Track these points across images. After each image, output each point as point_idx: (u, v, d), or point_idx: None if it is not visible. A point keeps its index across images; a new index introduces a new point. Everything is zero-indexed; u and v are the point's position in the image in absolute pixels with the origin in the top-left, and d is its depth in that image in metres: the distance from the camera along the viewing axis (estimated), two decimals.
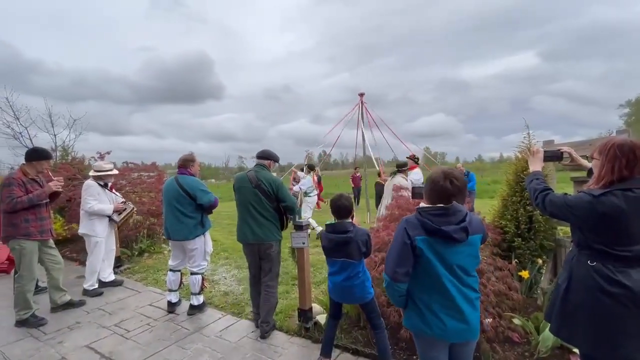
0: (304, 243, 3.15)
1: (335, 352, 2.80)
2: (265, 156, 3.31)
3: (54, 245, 3.77)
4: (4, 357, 2.87)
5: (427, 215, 1.58)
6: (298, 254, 3.24)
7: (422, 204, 1.67)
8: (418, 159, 7.03)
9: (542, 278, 3.34)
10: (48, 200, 3.63)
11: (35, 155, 3.55)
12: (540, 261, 3.25)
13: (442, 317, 1.59)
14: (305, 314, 3.16)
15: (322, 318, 3.13)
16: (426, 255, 1.56)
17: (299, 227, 3.18)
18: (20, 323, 3.40)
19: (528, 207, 3.31)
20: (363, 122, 9.74)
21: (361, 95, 10.31)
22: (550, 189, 1.79)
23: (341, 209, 2.44)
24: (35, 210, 3.47)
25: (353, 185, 14.51)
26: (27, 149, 3.80)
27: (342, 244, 2.36)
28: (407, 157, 6.97)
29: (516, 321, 2.70)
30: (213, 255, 5.47)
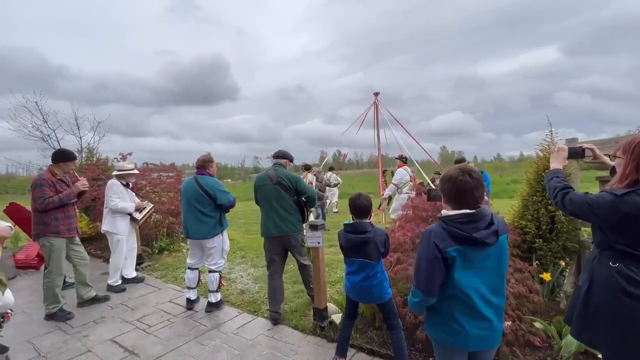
0: (319, 243, 3.17)
1: (351, 352, 2.80)
2: (282, 156, 3.57)
3: (80, 243, 3.94)
4: (34, 349, 3.03)
5: (454, 223, 1.50)
6: (313, 253, 3.26)
7: (444, 211, 1.58)
8: (406, 158, 7.48)
9: (565, 281, 3.23)
10: (76, 199, 3.80)
11: (62, 156, 3.74)
12: (562, 263, 3.14)
13: (465, 326, 1.52)
14: (320, 313, 3.18)
15: (337, 317, 3.14)
16: (458, 265, 1.49)
17: (314, 227, 3.21)
18: (49, 317, 3.58)
19: (550, 207, 3.21)
20: (378, 122, 9.68)
21: (376, 94, 10.24)
22: (571, 187, 1.73)
23: (360, 208, 2.43)
24: (64, 209, 3.64)
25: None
26: (54, 150, 3.99)
27: (360, 244, 2.36)
28: (395, 157, 7.31)
29: (537, 325, 2.63)
30: (229, 254, 5.57)
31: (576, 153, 2.00)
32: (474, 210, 1.50)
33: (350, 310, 2.62)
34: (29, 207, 4.76)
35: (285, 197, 3.33)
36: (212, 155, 3.83)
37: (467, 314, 1.52)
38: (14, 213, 5.30)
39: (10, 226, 2.85)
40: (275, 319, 3.35)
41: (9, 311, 2.84)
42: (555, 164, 1.93)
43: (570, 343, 2.39)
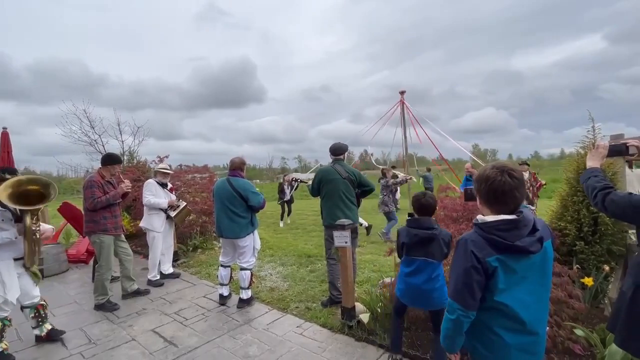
0: (346, 242, 3.20)
1: (379, 352, 2.81)
2: (340, 152, 3.90)
3: (125, 240, 4.26)
4: (85, 336, 3.32)
5: (495, 231, 1.35)
6: (341, 253, 3.29)
7: (480, 217, 1.44)
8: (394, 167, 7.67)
9: (609, 286, 3.03)
10: (121, 200, 4.11)
11: (110, 160, 4.06)
12: (607, 268, 2.95)
13: (506, 339, 1.38)
14: (348, 312, 3.21)
15: (365, 317, 3.15)
16: (499, 275, 1.34)
17: (342, 227, 3.24)
18: (98, 307, 3.90)
19: (592, 208, 3.02)
20: (404, 121, 9.51)
21: (402, 93, 10.06)
22: (612, 187, 1.64)
23: (424, 206, 2.40)
24: (111, 208, 3.96)
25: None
26: (101, 154, 4.35)
27: (426, 241, 2.29)
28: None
29: (578, 332, 2.48)
30: (259, 252, 5.75)
31: (619, 151, 1.87)
32: (515, 217, 1.35)
33: (400, 309, 2.58)
34: (79, 207, 5.21)
35: (352, 190, 3.72)
36: (245, 160, 4.00)
37: (508, 328, 1.37)
38: (67, 212, 5.80)
39: (53, 228, 3.23)
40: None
41: (42, 302, 3.17)
42: (593, 162, 1.83)
43: (615, 352, 2.24)
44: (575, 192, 3.18)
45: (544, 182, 8.13)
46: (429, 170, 14.21)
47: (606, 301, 2.94)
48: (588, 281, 2.79)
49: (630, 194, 1.54)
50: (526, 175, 7.67)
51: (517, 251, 1.33)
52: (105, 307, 3.89)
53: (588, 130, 3.20)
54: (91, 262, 5.17)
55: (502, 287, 1.34)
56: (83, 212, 4.02)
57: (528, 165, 8.17)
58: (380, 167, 9.55)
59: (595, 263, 3.00)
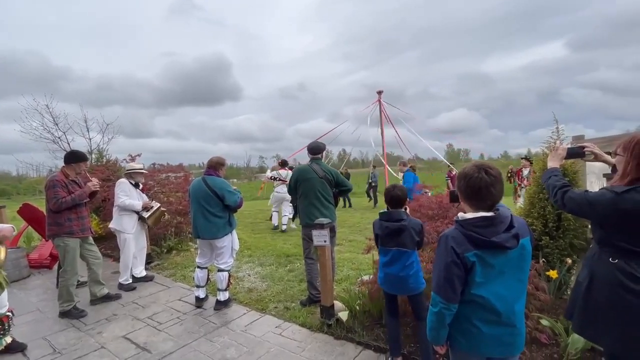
0: (325, 241, 3.21)
1: (357, 349, 2.84)
2: (318, 151, 3.90)
3: (93, 242, 4.04)
4: (50, 345, 3.12)
5: (472, 227, 1.44)
6: (320, 251, 3.30)
7: (461, 214, 1.53)
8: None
9: (572, 278, 3.22)
10: (88, 199, 3.89)
11: (74, 158, 3.83)
12: (569, 261, 3.13)
13: (483, 330, 1.46)
14: (327, 311, 3.22)
15: (344, 315, 3.17)
16: (477, 270, 1.43)
17: (320, 226, 3.24)
18: (63, 314, 3.68)
19: None
20: (381, 120, 9.66)
21: (379, 92, 10.22)
22: (570, 186, 1.75)
23: (394, 198, 2.49)
24: (77, 209, 3.73)
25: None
26: (65, 152, 4.09)
27: (396, 232, 2.40)
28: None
29: (544, 322, 2.63)
30: (237, 253, 5.65)
31: (576, 153, 1.97)
32: (492, 214, 1.44)
33: (391, 306, 2.59)
34: (41, 208, 4.89)
35: (329, 190, 3.76)
36: (225, 159, 3.89)
37: (485, 319, 1.46)
38: (28, 214, 5.43)
39: (12, 227, 2.99)
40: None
41: (8, 314, 2.95)
42: (553, 163, 1.95)
43: (577, 340, 2.40)
44: (542, 189, 3.35)
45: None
46: (374, 167, 14.96)
47: (569, 292, 3.13)
48: (553, 274, 2.95)
49: (586, 191, 1.65)
50: (526, 171, 8.06)
51: (494, 247, 1.41)
52: (71, 314, 3.67)
53: (552, 132, 3.39)
54: (55, 267, 4.87)
55: (479, 280, 1.43)
56: (45, 214, 3.78)
57: (530, 161, 8.34)
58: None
59: (559, 256, 3.18)
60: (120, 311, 3.84)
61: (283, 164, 8.71)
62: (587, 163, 3.27)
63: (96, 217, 6.91)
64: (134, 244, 4.63)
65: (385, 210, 2.54)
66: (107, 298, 4.08)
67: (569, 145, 2.09)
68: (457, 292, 1.45)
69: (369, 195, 14.38)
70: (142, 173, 4.89)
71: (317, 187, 3.71)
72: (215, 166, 3.79)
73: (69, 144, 8.14)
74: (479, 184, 1.44)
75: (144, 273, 4.86)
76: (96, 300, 4.02)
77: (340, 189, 3.89)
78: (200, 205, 3.66)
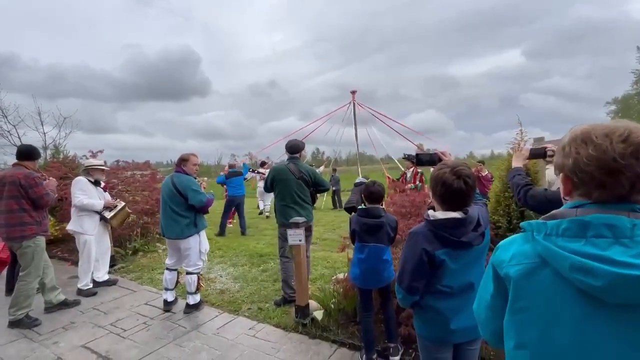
0: (300, 240, 3.18)
1: (332, 347, 2.84)
2: (296, 150, 3.82)
3: None
4: None
5: (443, 227, 1.49)
6: (295, 251, 3.26)
7: (432, 212, 1.57)
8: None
9: None
10: None
11: (34, 154, 3.60)
12: None
13: (450, 318, 1.55)
14: (302, 311, 3.19)
15: (319, 314, 3.16)
16: (446, 265, 1.51)
17: (296, 225, 3.21)
18: (14, 324, 3.35)
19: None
20: (355, 120, 9.78)
21: (353, 92, 10.33)
22: (532, 184, 1.85)
23: (374, 194, 2.50)
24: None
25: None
26: (15, 147, 3.78)
27: (374, 228, 2.42)
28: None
29: None
30: (208, 254, 5.47)
31: (538, 154, 2.07)
32: (463, 215, 1.49)
33: (366, 302, 2.58)
34: None
35: (305, 190, 3.70)
36: (191, 154, 3.73)
37: (451, 308, 1.56)
38: None
39: None
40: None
41: None
42: (517, 163, 2.05)
43: None
44: (506, 188, 3.52)
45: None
46: (334, 170, 13.89)
47: None
48: None
49: (546, 189, 1.75)
50: (485, 171, 8.50)
51: (463, 246, 1.50)
52: (23, 323, 3.35)
53: (517, 133, 3.58)
54: (4, 272, 4.43)
55: (447, 273, 1.54)
56: (17, 214, 3.34)
57: (483, 163, 8.81)
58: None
59: None
60: (80, 319, 3.57)
61: (263, 164, 9.50)
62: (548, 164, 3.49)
63: (52, 218, 6.41)
64: (95, 246, 4.32)
65: (363, 206, 2.55)
66: (64, 305, 3.78)
67: (531, 147, 2.21)
68: (420, 286, 1.55)
69: (334, 203, 12.85)
70: (102, 170, 4.59)
71: (294, 188, 3.65)
72: (179, 163, 3.67)
73: (19, 138, 7.49)
74: (456, 193, 1.48)
75: (106, 277, 4.56)
76: (52, 308, 3.71)
77: (317, 188, 3.86)
78: (166, 203, 3.54)
